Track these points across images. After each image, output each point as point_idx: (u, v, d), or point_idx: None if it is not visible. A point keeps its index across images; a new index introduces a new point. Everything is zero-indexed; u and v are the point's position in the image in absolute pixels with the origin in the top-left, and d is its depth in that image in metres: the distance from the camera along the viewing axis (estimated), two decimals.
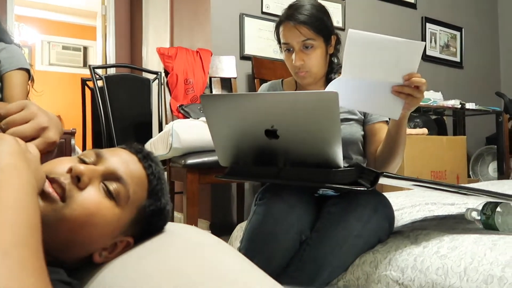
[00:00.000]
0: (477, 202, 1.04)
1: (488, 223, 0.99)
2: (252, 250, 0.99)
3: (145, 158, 0.70)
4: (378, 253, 0.94)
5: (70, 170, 0.60)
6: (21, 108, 0.64)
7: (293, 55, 1.20)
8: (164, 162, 2.09)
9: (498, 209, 0.98)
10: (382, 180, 0.90)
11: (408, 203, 1.44)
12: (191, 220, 1.75)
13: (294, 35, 1.18)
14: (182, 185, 1.94)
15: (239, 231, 1.32)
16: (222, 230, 2.10)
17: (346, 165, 1.21)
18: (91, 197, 0.60)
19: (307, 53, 1.20)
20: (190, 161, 1.79)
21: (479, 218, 1.01)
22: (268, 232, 0.98)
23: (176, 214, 2.56)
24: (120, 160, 0.66)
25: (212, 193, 2.47)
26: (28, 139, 0.62)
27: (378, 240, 1.00)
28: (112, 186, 0.62)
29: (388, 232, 1.03)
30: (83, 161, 0.64)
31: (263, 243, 0.98)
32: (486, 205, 1.01)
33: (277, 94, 0.93)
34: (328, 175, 0.92)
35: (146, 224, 0.68)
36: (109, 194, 0.62)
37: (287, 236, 0.97)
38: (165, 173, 2.33)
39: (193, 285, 0.55)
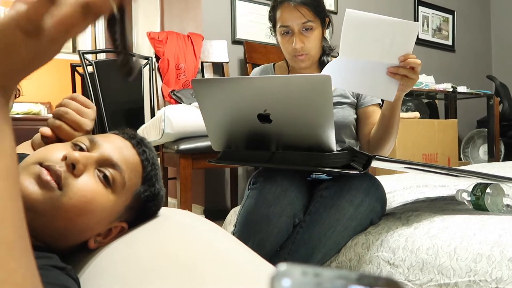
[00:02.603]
0: (468, 184, 1.05)
1: (478, 204, 1.00)
2: (245, 233, 1.00)
3: (139, 144, 0.70)
4: (370, 235, 0.95)
5: (65, 158, 0.59)
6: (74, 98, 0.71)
7: (294, 38, 1.18)
8: (157, 148, 2.09)
9: (488, 190, 1.00)
10: (375, 163, 0.90)
11: (400, 186, 1.45)
12: (184, 205, 1.76)
13: (294, 16, 1.16)
14: (175, 171, 1.94)
15: (233, 215, 1.32)
16: (216, 215, 2.11)
17: (339, 149, 1.22)
18: (87, 185, 0.59)
19: (307, 35, 1.18)
20: (183, 146, 1.79)
21: (469, 199, 1.03)
22: (261, 215, 0.99)
23: (170, 199, 2.57)
24: (114, 146, 0.66)
25: (206, 178, 2.47)
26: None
27: (370, 222, 1.02)
28: (108, 172, 0.62)
29: (380, 214, 1.04)
30: (76, 148, 0.63)
31: (256, 227, 0.99)
32: (476, 186, 1.03)
33: (269, 78, 0.92)
34: (320, 159, 0.92)
35: (140, 210, 0.69)
36: (104, 181, 0.62)
37: (280, 219, 0.98)
38: (158, 159, 2.33)
39: (185, 268, 0.55)
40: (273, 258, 0.98)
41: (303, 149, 0.94)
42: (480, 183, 1.03)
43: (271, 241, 0.99)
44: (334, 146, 0.93)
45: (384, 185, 1.40)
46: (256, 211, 1.00)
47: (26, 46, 0.33)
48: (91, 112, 0.71)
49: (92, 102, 2.39)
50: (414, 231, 0.89)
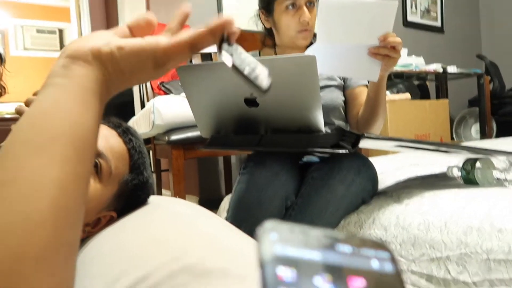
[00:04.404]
0: (458, 160, 1.06)
1: (468, 178, 1.00)
2: (238, 218, 1.00)
3: (125, 132, 0.69)
4: (362, 214, 0.95)
5: None
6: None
7: (300, 11, 1.14)
8: (149, 140, 2.07)
9: (478, 164, 1.00)
10: (364, 143, 0.90)
11: (392, 167, 1.45)
12: (178, 196, 1.75)
13: None
14: (168, 162, 1.93)
15: (226, 202, 1.32)
16: (211, 204, 2.11)
17: (328, 131, 1.21)
18: None
19: (311, 10, 1.16)
20: (174, 137, 1.78)
21: (459, 174, 1.03)
22: (253, 200, 0.98)
23: (164, 191, 2.56)
24: (99, 135, 0.65)
25: (199, 169, 2.47)
26: None
27: (362, 201, 1.02)
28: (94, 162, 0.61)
29: (371, 193, 1.04)
30: None
31: (248, 211, 0.99)
32: (466, 161, 1.03)
33: None
34: (309, 140, 0.92)
35: (129, 198, 0.68)
36: None
37: (272, 203, 0.98)
38: (150, 151, 2.32)
39: (174, 253, 0.55)
40: None
41: (292, 131, 0.93)
42: (470, 158, 1.03)
43: None
44: (322, 127, 0.92)
45: (376, 166, 1.40)
46: (248, 196, 0.99)
47: (148, 72, 0.38)
48: None
49: None
50: (406, 208, 0.89)
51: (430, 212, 0.84)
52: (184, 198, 1.82)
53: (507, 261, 0.67)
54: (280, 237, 0.18)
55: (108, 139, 0.65)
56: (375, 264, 0.18)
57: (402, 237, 0.83)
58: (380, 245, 0.19)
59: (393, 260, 0.18)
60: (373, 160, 1.64)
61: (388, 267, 0.18)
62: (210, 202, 2.29)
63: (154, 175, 2.42)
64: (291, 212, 0.99)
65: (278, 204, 0.99)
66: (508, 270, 0.66)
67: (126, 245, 0.59)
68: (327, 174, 1.00)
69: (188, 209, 0.74)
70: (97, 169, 0.60)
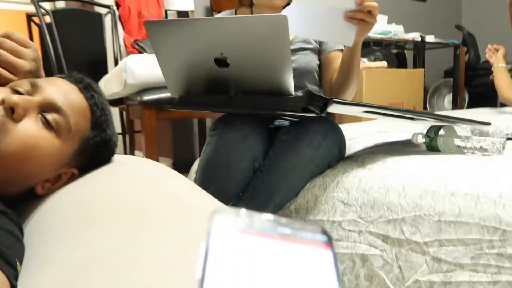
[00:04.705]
0: (424, 128, 1.08)
1: (431, 145, 1.04)
2: (206, 180, 1.01)
3: (87, 88, 0.67)
4: (327, 177, 0.98)
5: (2, 102, 0.57)
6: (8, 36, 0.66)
7: None
8: (121, 100, 2.03)
9: (441, 131, 1.03)
10: (332, 107, 0.91)
11: (362, 133, 1.48)
12: (151, 157, 1.74)
13: None
14: (141, 123, 1.90)
15: (197, 164, 1.32)
16: (185, 167, 2.11)
17: (299, 95, 1.21)
18: (28, 130, 0.57)
19: None
20: (147, 97, 1.75)
21: (423, 141, 1.06)
22: (221, 161, 0.99)
23: (136, 153, 2.54)
24: (58, 89, 0.63)
25: (174, 131, 2.45)
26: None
27: (328, 165, 1.04)
28: (51, 117, 0.60)
29: (338, 158, 1.07)
30: (16, 92, 0.60)
31: (216, 173, 1.00)
32: (430, 128, 1.06)
33: (225, 19, 0.89)
34: (278, 103, 0.92)
35: (91, 156, 0.67)
36: (48, 125, 0.59)
37: (240, 164, 0.99)
38: (123, 111, 2.27)
39: (133, 209, 0.55)
40: (233, 203, 1.00)
41: (262, 93, 0.93)
42: (435, 126, 1.06)
43: (231, 187, 1.00)
44: (292, 90, 0.92)
45: (347, 132, 1.42)
46: (216, 157, 1.00)
47: None
48: (30, 52, 0.67)
49: (51, 54, 2.27)
50: (368, 172, 0.92)
51: (390, 176, 0.86)
52: (157, 160, 1.82)
53: (456, 222, 0.71)
54: (226, 220, 0.19)
55: (68, 94, 0.63)
56: (308, 247, 0.19)
57: (362, 200, 0.86)
58: (319, 229, 0.20)
59: (329, 244, 0.19)
60: (345, 126, 1.67)
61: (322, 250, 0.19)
62: (184, 165, 2.29)
63: (127, 136, 2.40)
64: (258, 174, 1.01)
65: (245, 165, 1.00)
66: (456, 231, 0.70)
67: (87, 202, 0.59)
68: (295, 138, 1.01)
69: (153, 169, 0.74)
70: (51, 125, 0.59)
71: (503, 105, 2.13)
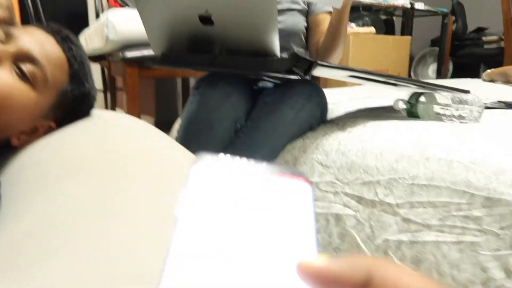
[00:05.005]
0: (406, 94, 1.09)
1: (411, 111, 1.05)
2: (187, 138, 1.01)
3: (64, 39, 0.65)
4: (307, 139, 0.99)
5: None
6: None
7: None
8: (103, 56, 1.98)
9: (422, 98, 1.04)
10: (317, 70, 0.91)
11: (346, 98, 1.49)
12: (132, 115, 1.72)
13: None
14: (123, 81, 1.86)
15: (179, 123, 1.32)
16: (167, 126, 2.10)
17: (286, 57, 1.20)
18: (1, 80, 0.56)
19: None
20: (129, 54, 1.70)
21: (404, 107, 1.08)
22: (203, 120, 0.99)
23: (118, 110, 2.51)
24: (33, 39, 0.61)
25: (157, 90, 2.42)
26: None
27: (310, 128, 1.05)
28: (26, 68, 0.58)
29: (319, 120, 1.08)
30: None
31: (198, 132, 1.00)
32: (412, 95, 1.07)
33: None
34: (263, 64, 0.91)
35: (69, 109, 0.67)
36: (23, 76, 0.58)
37: (222, 124, 0.99)
38: (105, 68, 2.21)
39: (112, 163, 0.55)
40: None
41: (247, 54, 0.92)
42: (416, 93, 1.07)
43: (212, 146, 1.01)
44: (277, 52, 0.91)
45: (331, 96, 1.43)
46: (198, 116, 1.00)
47: None
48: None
49: (29, 7, 2.16)
50: (348, 136, 0.93)
51: (369, 140, 0.88)
52: (138, 117, 1.80)
53: (428, 186, 0.73)
54: (207, 166, 0.19)
55: (44, 45, 0.61)
56: (286, 182, 0.19)
57: (340, 162, 0.88)
58: (299, 173, 0.20)
59: (308, 180, 0.20)
60: (329, 90, 1.67)
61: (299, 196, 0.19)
62: (167, 124, 2.27)
63: (108, 94, 2.35)
64: (240, 135, 1.01)
65: (227, 125, 1.00)
66: (427, 194, 0.73)
67: (65, 155, 0.59)
68: (278, 99, 1.01)
69: (132, 124, 0.74)
70: (26, 76, 0.58)
71: None
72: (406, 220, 0.74)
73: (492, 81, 1.98)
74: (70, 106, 0.66)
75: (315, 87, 1.05)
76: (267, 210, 0.18)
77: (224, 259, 0.16)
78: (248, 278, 0.16)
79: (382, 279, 0.15)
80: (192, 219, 0.17)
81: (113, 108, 2.32)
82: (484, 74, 2.01)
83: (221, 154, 0.20)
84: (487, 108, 1.04)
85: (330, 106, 1.18)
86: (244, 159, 0.20)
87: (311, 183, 0.20)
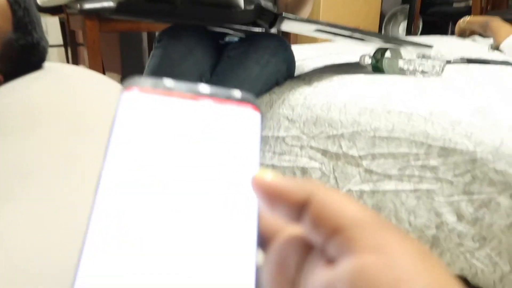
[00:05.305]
0: (372, 49, 1.09)
1: (376, 66, 1.06)
2: None
3: None
4: (274, 94, 0.98)
5: None
6: None
7: None
8: (61, 8, 1.85)
9: (387, 54, 1.04)
10: (283, 23, 0.88)
11: (315, 54, 1.47)
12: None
13: None
14: (82, 35, 1.77)
15: None
16: None
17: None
18: None
19: None
20: (87, 5, 1.60)
21: (370, 62, 1.08)
22: (166, 75, 0.96)
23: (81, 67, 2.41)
24: None
25: (122, 45, 2.32)
26: None
27: (276, 83, 1.04)
28: None
29: (286, 76, 1.06)
30: None
31: None
32: (377, 50, 1.07)
33: None
34: (226, 15, 0.88)
35: (16, 61, 0.63)
36: None
37: (186, 79, 0.96)
38: (64, 22, 2.09)
39: (67, 117, 0.53)
40: None
41: (210, 5, 0.88)
42: (382, 48, 1.07)
43: None
44: (241, 3, 0.88)
45: (300, 53, 1.41)
46: (160, 71, 0.96)
47: None
48: None
49: None
50: (314, 90, 0.93)
51: (334, 94, 0.88)
52: (102, 73, 1.72)
53: (389, 138, 0.75)
54: (142, 85, 0.17)
55: None
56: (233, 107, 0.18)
57: (306, 116, 0.88)
58: (248, 98, 0.19)
59: (257, 107, 0.18)
60: (298, 47, 1.65)
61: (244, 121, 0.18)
62: None
63: (69, 49, 2.23)
64: None
65: (192, 81, 0.97)
66: (388, 146, 0.75)
67: (12, 109, 0.56)
68: (243, 54, 0.98)
69: (86, 78, 0.71)
70: None
71: (453, 33, 2.17)
72: (368, 171, 0.76)
73: (465, 32, 1.97)
74: (18, 58, 0.63)
75: (282, 42, 1.03)
76: (207, 138, 0.17)
77: (160, 185, 0.16)
78: (187, 199, 0.15)
79: (320, 201, 0.16)
80: (125, 147, 0.16)
81: (74, 64, 2.22)
82: (461, 21, 1.96)
83: (159, 78, 0.18)
84: (448, 62, 1.05)
85: (298, 62, 1.16)
86: (188, 83, 0.18)
87: (260, 110, 0.19)
